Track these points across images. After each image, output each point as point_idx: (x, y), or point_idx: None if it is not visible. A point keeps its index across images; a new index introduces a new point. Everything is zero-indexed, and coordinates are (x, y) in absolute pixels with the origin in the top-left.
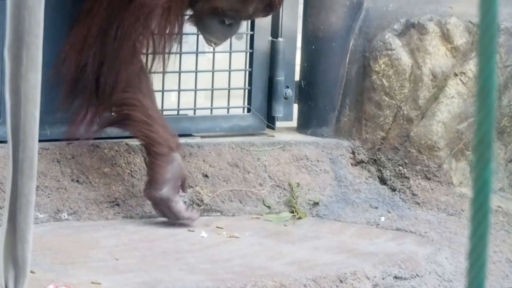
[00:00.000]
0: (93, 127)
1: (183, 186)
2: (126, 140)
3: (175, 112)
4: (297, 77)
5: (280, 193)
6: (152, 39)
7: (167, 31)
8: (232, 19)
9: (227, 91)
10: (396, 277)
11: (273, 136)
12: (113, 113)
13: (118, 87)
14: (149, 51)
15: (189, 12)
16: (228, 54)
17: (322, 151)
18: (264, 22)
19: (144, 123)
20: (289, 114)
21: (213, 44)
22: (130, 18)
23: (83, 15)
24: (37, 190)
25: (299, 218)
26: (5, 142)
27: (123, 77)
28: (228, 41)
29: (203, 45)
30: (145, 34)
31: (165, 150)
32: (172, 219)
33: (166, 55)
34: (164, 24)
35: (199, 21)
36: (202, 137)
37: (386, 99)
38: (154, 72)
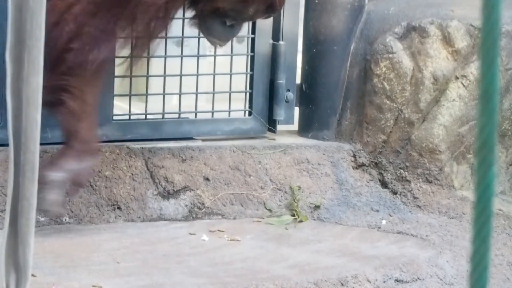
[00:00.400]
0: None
1: (75, 189)
2: (127, 144)
3: (177, 116)
4: (298, 80)
5: (281, 196)
6: (137, 38)
7: (157, 30)
8: (233, 20)
9: (228, 94)
10: (397, 280)
11: (274, 139)
12: (51, 91)
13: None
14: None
15: (191, 13)
16: (229, 57)
17: (323, 154)
18: (265, 25)
19: (74, 116)
20: (290, 117)
21: (216, 45)
22: (124, 10)
23: None
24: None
25: (300, 221)
26: (6, 145)
27: (92, 58)
28: (229, 44)
29: (204, 48)
30: (132, 28)
31: (81, 148)
32: (39, 204)
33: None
34: (155, 23)
35: (201, 23)
36: (204, 140)
37: (387, 102)
38: (155, 76)
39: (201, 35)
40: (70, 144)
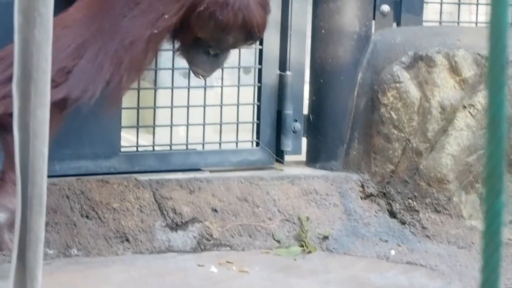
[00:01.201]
0: None
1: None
2: (135, 175)
3: (184, 147)
4: (305, 111)
5: (290, 227)
6: (128, 67)
7: (143, 62)
8: (216, 49)
9: (235, 125)
10: None
11: (282, 170)
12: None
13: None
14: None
15: (176, 44)
16: (236, 88)
17: (332, 184)
18: (272, 56)
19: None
20: (298, 147)
21: (200, 77)
22: (112, 43)
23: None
24: (46, 226)
25: (309, 252)
26: None
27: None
28: (236, 75)
29: (211, 79)
30: (123, 62)
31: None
32: None
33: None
34: (140, 56)
35: (186, 53)
36: (211, 171)
37: (395, 132)
38: (162, 107)
39: None
40: (10, 178)
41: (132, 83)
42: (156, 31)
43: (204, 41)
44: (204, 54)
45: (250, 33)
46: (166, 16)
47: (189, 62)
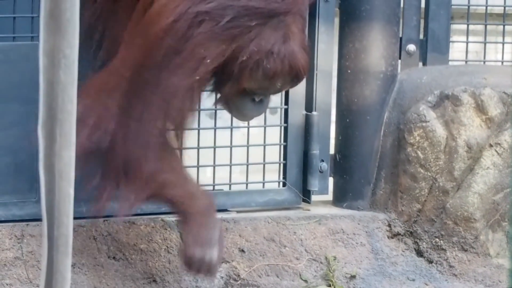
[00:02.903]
0: (126, 204)
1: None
2: (162, 216)
3: (211, 188)
4: (332, 151)
5: (317, 267)
6: (174, 116)
7: (188, 110)
8: (262, 95)
9: (262, 165)
10: None
11: (309, 210)
12: (146, 193)
13: (147, 165)
14: (172, 127)
15: (217, 95)
16: (263, 128)
17: (358, 224)
18: (298, 96)
19: (182, 198)
20: (324, 187)
21: (244, 121)
22: (155, 96)
23: (95, 87)
24: (73, 268)
25: None
26: (41, 220)
27: (151, 153)
28: (262, 115)
29: (237, 120)
30: (169, 112)
31: (198, 213)
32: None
33: (184, 131)
34: (186, 103)
35: (229, 103)
36: (238, 212)
37: (422, 171)
38: (189, 148)
39: None
40: (188, 217)
41: (180, 132)
42: (198, 77)
43: (250, 91)
44: (250, 102)
45: (297, 76)
46: (208, 61)
47: (233, 111)
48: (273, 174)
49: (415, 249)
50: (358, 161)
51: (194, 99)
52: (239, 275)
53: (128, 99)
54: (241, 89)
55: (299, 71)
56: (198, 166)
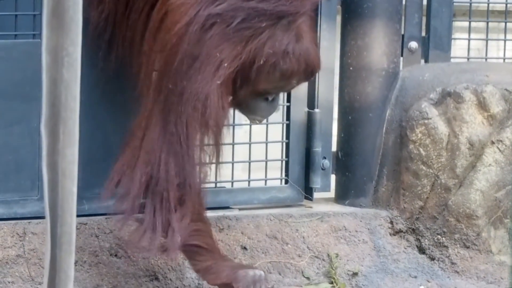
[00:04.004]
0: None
1: None
2: None
3: (213, 185)
4: (334, 148)
5: (319, 264)
6: (210, 126)
7: (222, 116)
8: (275, 94)
9: (264, 163)
10: None
11: (311, 207)
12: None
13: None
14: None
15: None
16: (265, 126)
17: (361, 221)
18: (300, 94)
19: (209, 253)
20: (326, 185)
21: (257, 121)
22: (187, 110)
23: (136, 127)
24: (75, 265)
25: None
26: (43, 217)
27: (192, 181)
28: None
29: (240, 117)
30: (203, 121)
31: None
32: None
33: (221, 148)
34: (218, 110)
35: (242, 104)
36: (240, 209)
37: (424, 168)
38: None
39: None
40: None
41: (218, 139)
42: (219, 82)
43: (265, 92)
44: (263, 102)
45: (312, 73)
46: (225, 64)
47: (246, 111)
48: (275, 172)
49: (417, 246)
50: (360, 158)
51: (224, 105)
52: None
53: (163, 117)
54: (256, 91)
55: (314, 68)
56: (200, 164)
